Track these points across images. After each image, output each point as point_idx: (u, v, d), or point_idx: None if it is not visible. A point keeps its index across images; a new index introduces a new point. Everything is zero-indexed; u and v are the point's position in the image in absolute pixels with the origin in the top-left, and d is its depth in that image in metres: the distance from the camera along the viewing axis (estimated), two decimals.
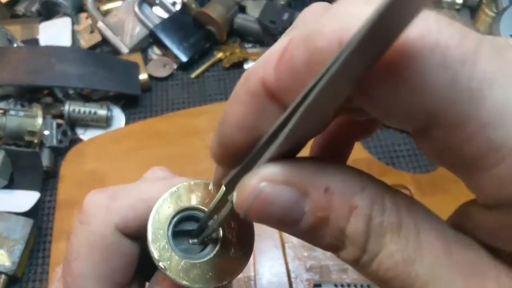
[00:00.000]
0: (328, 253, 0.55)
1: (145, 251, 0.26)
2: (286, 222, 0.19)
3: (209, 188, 0.26)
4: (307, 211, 0.18)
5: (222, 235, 0.25)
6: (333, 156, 0.26)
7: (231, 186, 0.21)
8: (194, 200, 0.25)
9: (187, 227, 0.26)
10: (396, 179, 0.62)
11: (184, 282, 0.23)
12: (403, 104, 0.16)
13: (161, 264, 0.23)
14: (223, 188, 0.22)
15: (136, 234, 0.26)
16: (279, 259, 0.55)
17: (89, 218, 0.26)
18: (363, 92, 0.17)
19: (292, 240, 0.56)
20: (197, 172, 0.64)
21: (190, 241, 0.25)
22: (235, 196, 0.19)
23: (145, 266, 0.27)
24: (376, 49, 0.14)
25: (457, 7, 0.77)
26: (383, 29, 0.13)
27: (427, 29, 0.15)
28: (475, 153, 0.16)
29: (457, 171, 0.18)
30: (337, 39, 0.16)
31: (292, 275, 0.54)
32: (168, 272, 0.23)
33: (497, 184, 0.16)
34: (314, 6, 0.20)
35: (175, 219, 0.25)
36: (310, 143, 0.25)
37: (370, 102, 0.17)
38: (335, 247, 0.19)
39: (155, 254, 0.24)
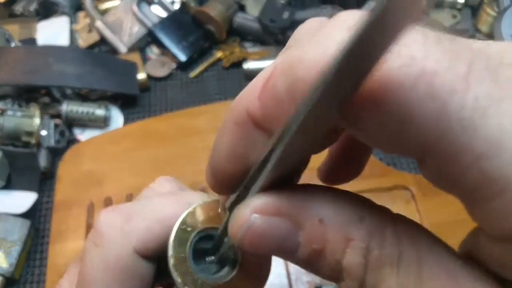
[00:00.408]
0: None
1: (159, 269, 0.26)
2: (282, 252, 0.19)
3: (218, 210, 0.26)
4: (302, 243, 0.18)
5: (240, 256, 0.25)
6: (350, 162, 0.25)
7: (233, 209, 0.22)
8: (211, 219, 0.25)
9: (205, 245, 0.25)
10: (397, 180, 0.62)
11: None
12: (392, 135, 0.16)
13: (182, 283, 0.23)
14: (227, 212, 0.22)
15: (153, 255, 0.26)
16: (279, 260, 0.55)
17: (104, 241, 0.25)
18: (351, 122, 0.16)
19: None
20: (197, 172, 0.63)
21: (207, 259, 0.25)
22: (229, 226, 0.19)
23: (159, 282, 0.27)
24: (354, 77, 0.13)
25: (459, 6, 0.76)
26: (360, 55, 0.12)
27: (411, 56, 0.15)
28: (472, 185, 0.15)
29: (459, 198, 0.17)
30: (317, 67, 0.15)
31: (293, 277, 0.54)
32: None
33: (498, 217, 0.15)
34: (309, 22, 0.20)
35: (195, 240, 0.25)
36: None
37: (360, 133, 0.17)
38: (334, 279, 0.19)
39: (179, 279, 0.24)
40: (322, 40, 0.16)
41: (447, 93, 0.14)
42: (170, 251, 0.24)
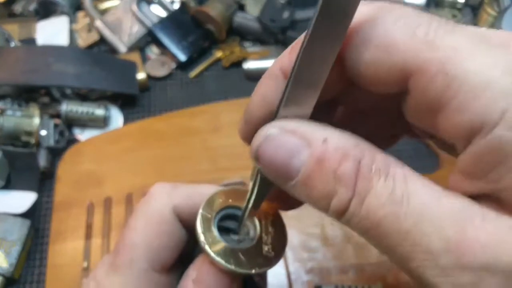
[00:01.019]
0: (329, 255, 0.55)
1: (190, 245, 0.30)
2: (288, 168, 0.22)
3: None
4: (307, 157, 0.21)
5: (258, 236, 0.28)
6: None
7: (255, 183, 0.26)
8: (238, 201, 0.29)
9: (230, 225, 0.29)
10: None
11: (219, 260, 0.26)
12: (381, 64, 0.20)
13: (202, 239, 0.27)
14: (251, 183, 0.26)
15: (188, 223, 0.30)
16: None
17: (152, 197, 0.30)
18: (352, 61, 0.21)
19: (292, 242, 0.56)
20: (197, 172, 0.63)
21: (231, 234, 0.29)
22: (252, 141, 0.23)
23: (187, 260, 0.30)
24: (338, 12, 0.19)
25: (459, 6, 0.76)
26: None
27: (392, 7, 0.21)
28: (439, 89, 0.19)
29: (429, 122, 0.21)
30: None
31: (292, 276, 0.54)
32: (207, 247, 0.26)
33: (458, 112, 0.19)
34: None
35: (222, 212, 0.29)
36: None
37: (358, 70, 0.21)
38: (326, 196, 0.21)
39: (200, 231, 0.27)
40: None
41: (416, 26, 0.20)
42: (200, 210, 0.28)
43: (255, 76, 0.76)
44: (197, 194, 0.30)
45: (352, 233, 0.56)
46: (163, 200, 0.30)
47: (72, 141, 0.72)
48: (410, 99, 0.21)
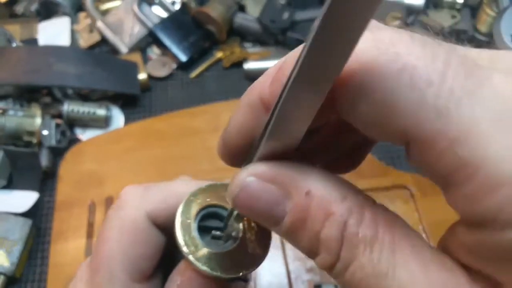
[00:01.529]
0: None
1: (170, 246, 0.28)
2: (269, 218, 0.20)
3: None
4: (288, 211, 0.20)
5: (242, 234, 0.27)
6: (347, 153, 0.26)
7: None
8: (220, 198, 0.28)
9: (211, 223, 0.27)
10: (397, 179, 0.62)
11: (205, 268, 0.25)
12: (379, 121, 0.17)
13: (185, 249, 0.25)
14: None
15: (164, 226, 0.28)
16: (279, 260, 0.55)
17: (124, 204, 0.28)
18: (345, 110, 0.19)
19: None
20: (197, 172, 0.64)
21: (213, 232, 0.27)
22: (228, 186, 0.21)
23: (168, 261, 0.29)
24: (329, 61, 0.16)
25: (458, 6, 0.76)
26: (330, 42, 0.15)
27: (396, 52, 0.17)
28: (447, 169, 0.17)
29: (437, 183, 0.18)
30: None
31: (292, 275, 0.54)
32: (190, 256, 0.25)
33: (469, 200, 0.16)
34: None
35: (202, 213, 0.27)
36: None
37: (352, 119, 0.19)
38: (311, 252, 0.20)
39: (181, 240, 0.26)
40: None
41: (425, 84, 0.16)
42: (178, 215, 0.26)
43: (255, 77, 0.76)
44: (172, 195, 0.28)
45: None
46: (135, 207, 0.28)
47: (74, 141, 0.72)
48: (413, 155, 0.18)
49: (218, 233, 0.27)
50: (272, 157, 0.20)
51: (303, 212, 0.19)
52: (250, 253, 0.26)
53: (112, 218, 0.28)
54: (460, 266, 0.18)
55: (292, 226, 0.20)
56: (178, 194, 0.28)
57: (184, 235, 0.26)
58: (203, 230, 0.27)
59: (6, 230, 0.61)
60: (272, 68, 0.21)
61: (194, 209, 0.27)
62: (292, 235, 0.20)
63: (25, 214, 0.63)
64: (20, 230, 0.61)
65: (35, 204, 0.65)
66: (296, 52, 0.20)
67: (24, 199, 0.65)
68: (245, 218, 0.27)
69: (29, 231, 0.62)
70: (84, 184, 0.65)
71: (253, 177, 0.20)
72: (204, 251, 0.26)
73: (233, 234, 0.27)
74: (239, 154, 0.23)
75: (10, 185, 0.66)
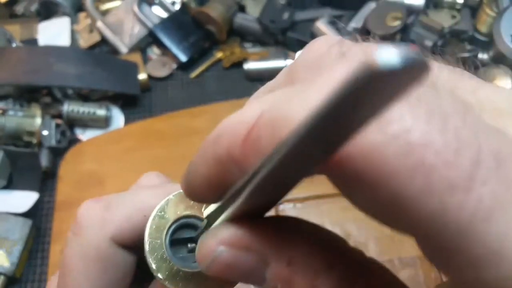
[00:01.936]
0: None
1: (142, 260, 0.25)
2: (249, 282, 0.18)
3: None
4: (268, 279, 0.17)
5: None
6: None
7: (212, 218, 0.21)
8: (191, 208, 0.25)
9: (184, 235, 0.25)
10: None
11: None
12: (386, 215, 0.15)
13: (159, 275, 0.23)
14: (205, 221, 0.22)
15: (133, 244, 0.25)
16: None
17: (84, 230, 0.25)
18: (346, 192, 0.15)
19: None
20: None
21: (189, 245, 0.25)
22: (196, 253, 0.19)
23: (142, 274, 0.26)
24: (322, 145, 0.12)
25: (458, 7, 0.76)
26: (331, 126, 0.11)
27: (408, 143, 0.13)
28: (464, 285, 0.14)
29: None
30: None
31: None
32: (166, 283, 0.23)
33: None
34: (319, 45, 0.18)
35: (173, 227, 0.24)
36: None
37: (353, 202, 0.16)
38: None
39: (153, 265, 0.23)
40: (312, 94, 0.14)
41: (446, 189, 0.13)
42: (147, 236, 0.24)
43: (256, 77, 0.77)
44: (137, 210, 0.25)
45: (352, 233, 0.57)
46: (96, 232, 0.25)
47: (74, 141, 0.72)
48: (422, 248, 0.15)
49: (194, 245, 0.25)
50: (243, 216, 0.18)
51: (286, 283, 0.17)
52: None
53: (73, 246, 0.25)
54: None
55: None
56: (143, 208, 0.25)
57: (156, 259, 0.23)
58: (176, 243, 0.24)
59: (6, 230, 0.61)
60: (242, 121, 0.16)
61: (164, 226, 0.24)
62: None
63: (25, 214, 0.63)
64: (20, 230, 0.61)
65: (35, 204, 0.65)
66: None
67: (24, 199, 0.65)
68: None
69: (29, 231, 0.62)
70: (84, 184, 0.65)
71: (223, 246, 0.17)
72: (180, 272, 0.23)
73: None
74: (205, 200, 0.21)
75: (10, 185, 0.66)
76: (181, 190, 0.24)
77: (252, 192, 0.16)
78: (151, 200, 0.25)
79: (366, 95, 0.10)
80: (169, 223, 0.24)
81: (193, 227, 0.25)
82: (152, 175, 0.29)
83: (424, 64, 0.10)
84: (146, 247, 0.23)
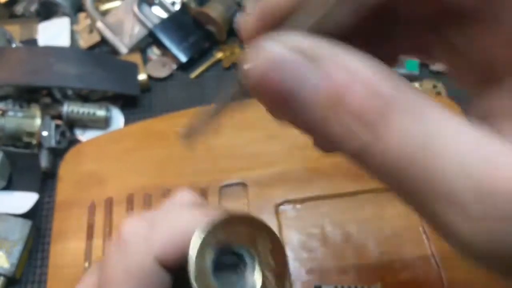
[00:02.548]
0: (329, 255, 0.55)
1: (176, 282, 0.26)
2: (296, 96, 0.16)
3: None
4: (322, 88, 0.15)
5: (261, 272, 0.25)
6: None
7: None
8: (233, 235, 0.25)
9: (227, 260, 0.25)
10: None
11: None
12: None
13: None
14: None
15: (172, 265, 0.26)
16: None
17: (128, 246, 0.26)
18: None
19: (292, 242, 0.56)
20: (197, 173, 0.64)
21: (230, 272, 0.25)
22: (245, 61, 0.16)
23: None
24: None
25: None
26: None
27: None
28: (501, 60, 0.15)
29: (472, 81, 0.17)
30: None
31: (292, 276, 0.54)
32: None
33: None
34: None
35: (215, 252, 0.25)
36: None
37: None
38: (342, 137, 0.16)
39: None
40: None
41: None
42: (191, 263, 0.24)
43: None
44: (179, 233, 0.26)
45: (352, 233, 0.57)
46: (140, 250, 0.26)
47: (74, 141, 0.72)
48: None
49: (235, 269, 0.26)
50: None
51: (343, 88, 0.15)
52: None
53: (115, 260, 0.26)
54: None
55: (327, 102, 0.15)
56: (185, 231, 0.25)
57: (199, 283, 0.24)
58: (219, 268, 0.25)
59: (6, 231, 0.61)
60: None
61: (207, 251, 0.24)
62: (321, 120, 0.16)
63: (25, 215, 0.63)
64: (20, 231, 0.61)
65: (35, 205, 0.65)
66: None
67: (24, 200, 0.65)
68: (261, 253, 0.25)
69: (29, 232, 0.62)
70: (84, 185, 0.65)
71: (277, 43, 0.15)
72: None
73: (248, 270, 0.25)
74: (275, 23, 0.18)
75: (10, 186, 0.66)
76: (223, 217, 0.25)
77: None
78: (194, 221, 0.25)
79: None
80: (213, 249, 0.25)
81: (234, 253, 0.25)
82: (186, 192, 0.30)
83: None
84: (192, 274, 0.24)
